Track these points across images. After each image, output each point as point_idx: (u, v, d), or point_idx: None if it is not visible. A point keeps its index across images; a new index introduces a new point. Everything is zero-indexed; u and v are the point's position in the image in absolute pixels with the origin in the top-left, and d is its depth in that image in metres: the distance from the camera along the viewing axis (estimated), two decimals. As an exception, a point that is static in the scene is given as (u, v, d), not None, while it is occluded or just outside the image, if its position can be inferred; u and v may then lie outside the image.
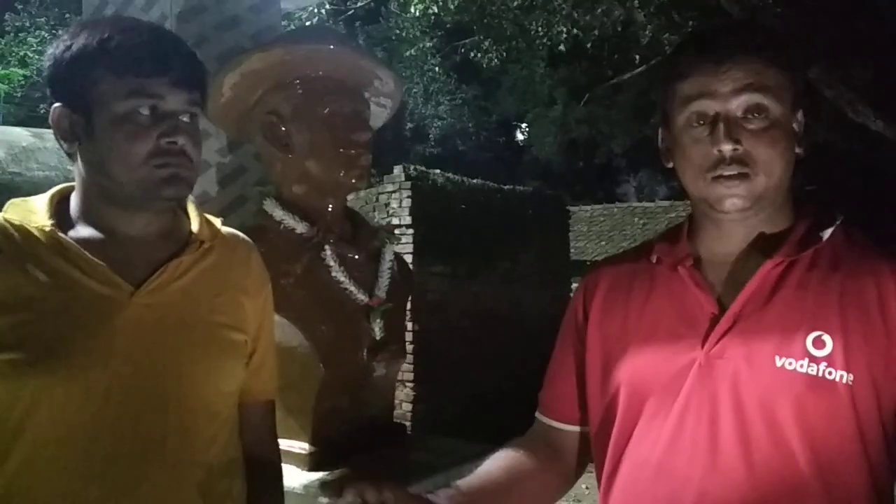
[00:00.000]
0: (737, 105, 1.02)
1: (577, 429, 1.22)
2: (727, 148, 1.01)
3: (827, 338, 0.97)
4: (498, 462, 1.18)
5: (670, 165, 1.12)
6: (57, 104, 1.03)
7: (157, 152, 1.01)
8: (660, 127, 1.15)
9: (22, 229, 1.00)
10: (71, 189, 1.09)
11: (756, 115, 1.02)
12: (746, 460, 0.97)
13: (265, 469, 1.22)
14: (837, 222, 1.05)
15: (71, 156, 1.06)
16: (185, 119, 1.05)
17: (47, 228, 1.00)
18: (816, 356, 0.97)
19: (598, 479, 1.14)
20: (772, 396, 0.97)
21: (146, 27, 1.06)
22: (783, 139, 1.03)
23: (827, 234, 1.04)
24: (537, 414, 1.28)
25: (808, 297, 1.01)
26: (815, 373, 0.96)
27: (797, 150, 1.07)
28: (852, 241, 1.05)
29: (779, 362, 0.98)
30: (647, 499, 1.03)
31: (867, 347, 0.96)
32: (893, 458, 0.99)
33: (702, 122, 1.04)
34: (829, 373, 0.96)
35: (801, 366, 0.97)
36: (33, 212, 1.03)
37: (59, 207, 1.05)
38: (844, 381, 0.95)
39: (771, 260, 1.03)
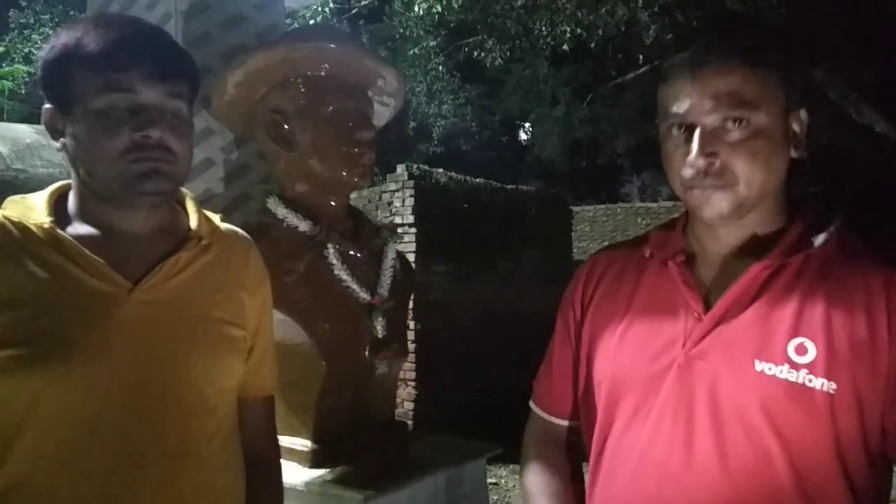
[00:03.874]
0: (714, 117, 0.98)
1: (572, 423, 1.22)
2: (700, 163, 0.98)
3: (810, 344, 0.95)
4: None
5: None
6: (47, 104, 1.04)
7: (132, 147, 1.00)
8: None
9: (20, 226, 1.00)
10: (69, 186, 1.09)
11: (736, 124, 0.98)
12: (721, 463, 0.96)
13: (264, 464, 1.22)
14: (831, 228, 1.02)
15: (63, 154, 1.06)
16: (167, 112, 1.03)
17: (46, 225, 1.00)
18: (798, 363, 0.95)
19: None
20: (749, 401, 0.96)
21: (122, 22, 1.05)
22: (766, 147, 0.99)
23: (819, 240, 1.01)
24: (532, 403, 1.27)
25: (794, 302, 0.98)
26: (794, 379, 0.94)
27: (793, 153, 1.03)
28: (845, 249, 1.02)
29: (758, 367, 0.96)
30: (629, 494, 1.03)
31: (852, 358, 0.93)
32: (880, 472, 0.97)
33: (682, 128, 1.01)
34: (810, 380, 0.93)
35: (781, 371, 0.95)
36: (32, 208, 1.03)
37: (57, 204, 1.05)
38: (825, 389, 0.93)
39: (759, 263, 1.01)
